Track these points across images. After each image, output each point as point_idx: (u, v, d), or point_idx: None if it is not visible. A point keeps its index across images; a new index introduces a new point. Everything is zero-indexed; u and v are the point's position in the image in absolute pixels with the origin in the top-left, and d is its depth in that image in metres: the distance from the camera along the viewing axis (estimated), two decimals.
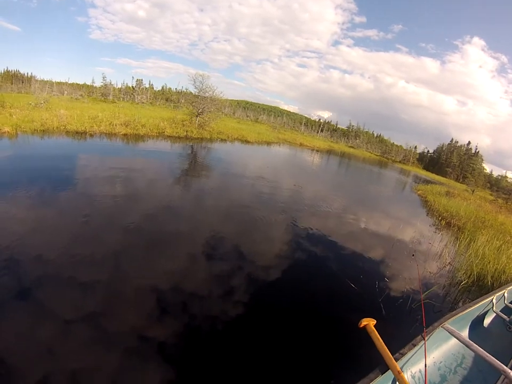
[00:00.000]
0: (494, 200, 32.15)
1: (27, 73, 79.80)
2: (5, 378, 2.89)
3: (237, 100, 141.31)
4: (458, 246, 9.35)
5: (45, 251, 5.02)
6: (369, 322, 2.94)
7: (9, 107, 20.50)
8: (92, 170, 10.35)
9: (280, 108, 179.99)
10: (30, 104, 22.73)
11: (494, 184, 70.95)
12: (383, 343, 2.72)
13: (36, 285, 4.20)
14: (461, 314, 3.62)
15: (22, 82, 69.17)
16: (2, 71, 75.98)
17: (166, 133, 22.38)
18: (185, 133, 23.71)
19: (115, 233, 6.10)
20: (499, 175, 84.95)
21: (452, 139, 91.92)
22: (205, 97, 28.56)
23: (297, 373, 3.59)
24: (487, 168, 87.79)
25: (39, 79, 67.41)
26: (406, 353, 2.82)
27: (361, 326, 2.95)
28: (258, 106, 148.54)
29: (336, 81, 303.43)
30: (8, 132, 14.34)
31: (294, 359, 3.79)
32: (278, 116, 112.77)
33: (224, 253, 6.13)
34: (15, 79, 73.22)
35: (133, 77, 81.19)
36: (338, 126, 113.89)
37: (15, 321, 3.56)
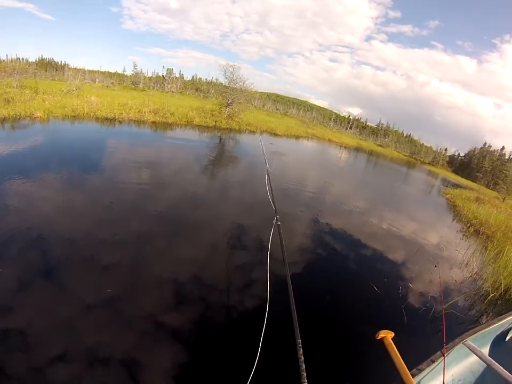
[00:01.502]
0: None
1: (61, 61, 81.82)
2: (27, 351, 3.02)
3: (267, 93, 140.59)
4: (486, 256, 8.93)
5: (70, 232, 5.15)
6: (386, 335, 2.73)
7: (43, 93, 21.05)
8: (119, 157, 10.53)
9: (310, 102, 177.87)
10: (63, 90, 23.30)
11: None
12: (400, 357, 2.52)
13: (60, 264, 4.34)
14: (484, 331, 3.43)
15: (56, 70, 70.91)
16: (37, 59, 78.05)
17: (194, 122, 22.43)
18: (214, 123, 23.68)
19: (139, 219, 6.19)
20: None
21: (485, 143, 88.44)
22: (235, 88, 28.46)
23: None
24: None
25: (72, 67, 69.23)
26: (424, 369, 2.70)
27: (378, 338, 2.74)
28: (288, 100, 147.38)
29: (367, 77, 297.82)
30: (40, 116, 14.71)
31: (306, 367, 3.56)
32: (308, 110, 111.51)
33: (246, 246, 6.09)
34: (49, 66, 75.09)
35: (163, 66, 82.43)
36: (367, 124, 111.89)
37: (39, 298, 3.69)
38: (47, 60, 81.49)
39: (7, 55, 59.52)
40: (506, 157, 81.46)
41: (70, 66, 70.90)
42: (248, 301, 4.44)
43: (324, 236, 7.55)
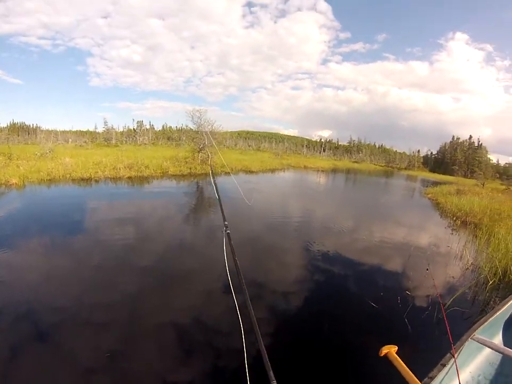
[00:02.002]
0: (506, 189, 31.52)
1: (32, 124, 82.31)
2: None
3: (237, 131, 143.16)
4: (478, 243, 9.12)
5: (60, 297, 5.04)
6: (390, 350, 2.65)
7: (16, 158, 21.10)
8: (98, 216, 10.39)
9: (280, 133, 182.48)
10: (36, 154, 23.32)
11: (503, 173, 70.11)
12: (408, 370, 2.43)
13: (53, 330, 4.20)
14: (489, 320, 3.36)
15: (28, 134, 71.07)
16: (8, 124, 78.26)
17: (169, 172, 22.49)
18: (188, 170, 23.83)
19: (128, 275, 6.07)
20: (506, 163, 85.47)
21: (453, 136, 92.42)
22: (204, 132, 28.87)
23: None
24: (493, 158, 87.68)
25: (44, 129, 69.76)
26: (436, 375, 2.59)
27: (382, 354, 2.65)
28: (259, 135, 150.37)
29: (330, 99, 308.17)
30: (16, 183, 14.65)
31: None
32: (279, 141, 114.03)
33: (239, 283, 5.96)
34: (21, 130, 75.27)
35: (133, 119, 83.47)
36: (339, 143, 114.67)
37: (34, 366, 3.56)
38: (19, 124, 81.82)
39: None
40: (476, 144, 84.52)
41: (42, 129, 71.45)
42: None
43: (316, 262, 7.46)
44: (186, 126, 37.52)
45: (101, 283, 5.71)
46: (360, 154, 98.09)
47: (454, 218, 13.84)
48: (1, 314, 4.46)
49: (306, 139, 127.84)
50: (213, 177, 3.77)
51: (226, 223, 2.66)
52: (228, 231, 2.56)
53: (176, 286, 5.83)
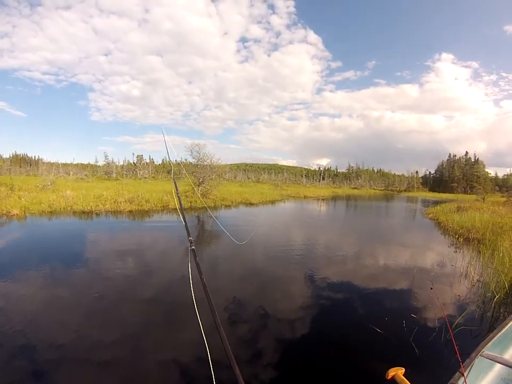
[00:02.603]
0: (507, 201, 31.30)
1: (34, 156, 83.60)
2: None
3: (237, 164, 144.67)
4: (482, 259, 9.05)
5: (59, 332, 4.94)
6: (397, 372, 2.54)
7: (18, 190, 21.32)
8: (99, 249, 10.37)
9: (279, 164, 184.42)
10: (38, 186, 23.55)
11: (503, 185, 70.59)
12: None
13: (52, 367, 4.08)
14: (498, 336, 3.31)
15: (30, 165, 72.03)
16: (11, 155, 79.31)
17: (170, 206, 22.36)
18: (189, 204, 23.82)
19: (128, 308, 5.98)
20: (504, 174, 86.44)
21: (450, 154, 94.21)
22: (204, 165, 29.13)
23: None
24: (491, 171, 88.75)
25: (45, 162, 70.65)
26: None
27: (389, 377, 2.54)
28: (258, 167, 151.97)
29: (327, 127, 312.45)
30: (17, 214, 14.80)
31: None
32: (279, 172, 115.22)
33: (245, 316, 5.87)
34: (23, 162, 76.30)
35: (133, 153, 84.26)
36: (338, 171, 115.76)
37: None
38: (21, 155, 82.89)
39: None
40: (473, 160, 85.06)
41: (43, 161, 72.30)
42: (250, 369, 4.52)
43: (319, 291, 7.28)
44: (186, 160, 37.78)
45: (100, 315, 5.67)
46: (360, 180, 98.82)
47: (457, 236, 13.69)
48: None
49: (305, 168, 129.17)
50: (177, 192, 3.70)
51: (190, 238, 2.59)
52: (193, 247, 2.50)
53: (174, 318, 5.88)
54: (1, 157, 64.70)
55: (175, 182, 4.10)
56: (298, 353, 4.74)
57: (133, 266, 8.71)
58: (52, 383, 3.85)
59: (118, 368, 4.16)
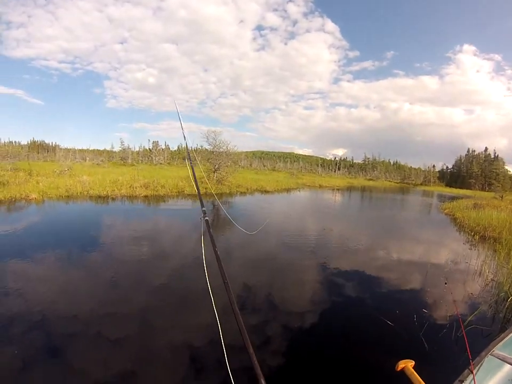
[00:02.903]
0: None
1: (51, 143, 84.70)
2: None
3: (252, 151, 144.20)
4: (498, 258, 8.86)
5: (75, 310, 5.07)
6: (407, 364, 2.54)
7: (36, 175, 21.67)
8: (115, 233, 10.56)
9: (295, 153, 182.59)
10: (55, 171, 23.91)
11: None
12: None
13: (66, 343, 4.23)
14: (509, 336, 3.27)
15: (47, 151, 73.14)
16: (29, 142, 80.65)
17: (185, 191, 22.64)
18: (204, 190, 23.85)
19: (143, 292, 6.07)
20: None
21: (468, 149, 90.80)
22: (219, 152, 29.18)
23: None
24: (511, 169, 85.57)
25: (62, 148, 71.63)
26: None
27: (399, 369, 2.55)
28: (274, 155, 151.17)
29: (343, 117, 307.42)
30: (35, 198, 15.10)
31: None
32: (294, 161, 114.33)
33: (255, 303, 5.92)
34: (40, 148, 77.48)
35: (149, 140, 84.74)
36: (354, 161, 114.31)
37: (45, 378, 3.58)
38: (39, 142, 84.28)
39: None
40: (492, 156, 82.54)
41: (60, 147, 73.30)
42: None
43: (332, 279, 7.34)
44: (202, 147, 37.77)
45: (115, 297, 5.81)
46: (375, 172, 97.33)
47: (472, 233, 13.42)
48: (15, 323, 4.56)
49: (321, 158, 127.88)
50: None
51: (204, 209, 2.53)
52: (206, 218, 2.42)
53: (187, 303, 5.85)
54: (20, 143, 65.80)
55: (188, 154, 4.01)
56: (308, 341, 4.75)
57: (148, 250, 8.84)
58: (66, 357, 3.95)
59: (129, 346, 4.28)
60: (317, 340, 4.79)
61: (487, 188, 71.48)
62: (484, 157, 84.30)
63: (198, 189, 2.93)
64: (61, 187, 17.79)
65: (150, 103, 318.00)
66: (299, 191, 35.55)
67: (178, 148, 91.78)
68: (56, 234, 9.75)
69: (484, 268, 8.32)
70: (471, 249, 10.98)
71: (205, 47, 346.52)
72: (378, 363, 4.18)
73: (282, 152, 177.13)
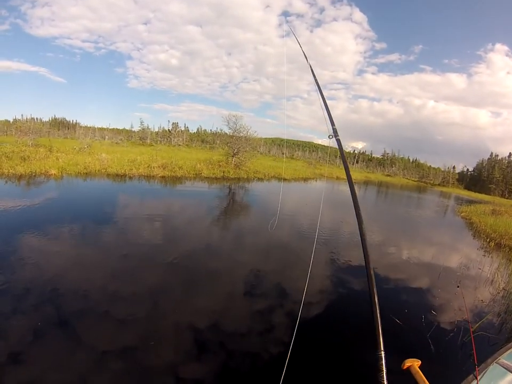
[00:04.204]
0: None
1: (72, 120, 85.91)
2: None
3: (271, 138, 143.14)
4: (511, 268, 8.67)
5: (85, 286, 5.17)
6: (413, 363, 2.45)
7: (56, 151, 21.92)
8: (131, 211, 10.73)
9: (314, 142, 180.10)
10: (75, 148, 24.18)
11: None
12: None
13: (75, 317, 4.30)
14: None
15: (68, 129, 74.26)
16: (50, 119, 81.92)
17: (203, 174, 22.67)
18: (222, 174, 23.83)
19: (154, 270, 6.20)
20: None
21: (492, 153, 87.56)
22: (239, 137, 28.97)
23: None
24: None
25: (82, 126, 72.59)
26: None
27: (405, 367, 2.48)
28: (293, 143, 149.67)
29: (365, 110, 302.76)
30: (54, 174, 15.31)
31: None
32: (313, 151, 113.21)
33: (262, 289, 6.00)
34: (61, 125, 78.71)
35: (169, 121, 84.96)
36: (373, 156, 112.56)
37: (53, 350, 3.66)
38: (60, 119, 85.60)
39: (22, 115, 62.73)
40: None
41: (81, 125, 74.25)
42: (265, 346, 4.50)
43: (342, 274, 7.30)
44: (221, 130, 37.75)
45: (126, 273, 5.90)
46: (393, 168, 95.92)
47: (488, 239, 13.14)
48: (28, 295, 4.69)
49: None
50: None
51: (334, 127, 2.20)
52: (338, 137, 2.13)
53: (197, 283, 5.85)
54: (41, 120, 66.72)
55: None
56: (314, 334, 4.74)
57: (160, 231, 8.93)
58: (74, 331, 4.05)
59: (136, 324, 4.35)
60: (322, 332, 4.82)
61: (507, 195, 69.36)
62: (507, 163, 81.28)
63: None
64: (80, 164, 18.02)
65: (171, 85, 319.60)
66: (316, 181, 35.22)
67: (197, 130, 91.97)
68: (72, 210, 9.91)
69: (497, 276, 8.20)
70: (485, 255, 10.80)
71: (229, 31, 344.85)
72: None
73: (302, 141, 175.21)
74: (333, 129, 2.16)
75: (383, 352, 1.30)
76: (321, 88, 2.57)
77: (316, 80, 2.86)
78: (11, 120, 67.84)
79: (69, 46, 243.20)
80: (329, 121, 2.28)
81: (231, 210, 13.44)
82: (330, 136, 2.15)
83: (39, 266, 5.71)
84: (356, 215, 1.61)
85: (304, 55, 3.10)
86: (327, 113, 2.39)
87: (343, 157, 1.99)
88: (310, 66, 3.05)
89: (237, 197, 16.69)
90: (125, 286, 5.36)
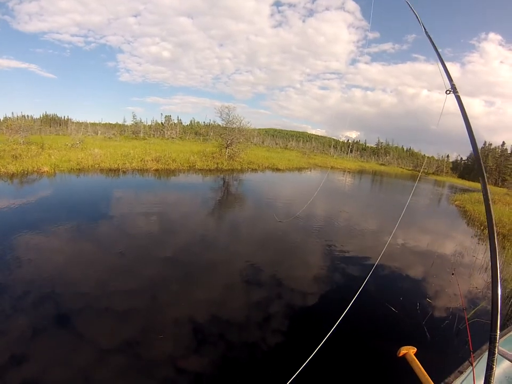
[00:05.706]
0: None
1: (64, 117, 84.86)
2: None
3: (265, 129, 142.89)
4: (505, 255, 8.77)
5: (83, 282, 5.19)
6: (409, 351, 2.57)
7: (48, 148, 21.75)
8: (125, 206, 10.65)
9: (308, 132, 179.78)
10: (67, 145, 24.00)
11: None
12: (425, 372, 2.36)
13: (74, 313, 4.33)
14: (511, 333, 3.26)
15: (60, 125, 73.40)
16: (41, 116, 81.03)
17: (196, 166, 22.61)
18: (215, 165, 23.77)
19: (150, 264, 6.22)
20: None
21: (485, 142, 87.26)
22: (232, 128, 28.86)
23: None
24: None
25: (74, 121, 71.78)
26: (452, 382, 2.54)
27: (400, 355, 2.58)
28: (287, 133, 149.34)
29: (359, 99, 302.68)
30: (47, 171, 15.23)
31: None
32: (307, 141, 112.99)
33: (259, 281, 6.03)
34: (53, 122, 77.78)
35: (161, 114, 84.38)
36: (367, 145, 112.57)
37: (54, 346, 3.70)
38: (51, 115, 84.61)
39: (12, 113, 62.05)
40: (509, 151, 79.72)
41: (72, 121, 73.44)
42: (264, 336, 4.57)
43: (337, 263, 7.35)
44: (214, 122, 37.52)
45: (122, 269, 5.86)
46: (388, 157, 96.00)
47: (481, 227, 13.32)
48: (27, 292, 4.71)
49: (334, 139, 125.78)
50: None
51: (453, 83, 2.14)
52: (457, 93, 2.07)
53: (193, 276, 5.87)
54: (32, 117, 66.09)
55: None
56: (311, 322, 4.84)
57: (156, 225, 8.98)
58: (73, 327, 4.08)
59: (135, 318, 4.39)
60: (318, 321, 4.86)
61: (500, 183, 69.59)
62: (500, 152, 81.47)
63: None
64: (73, 160, 17.90)
65: (163, 77, 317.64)
66: (310, 171, 35.17)
67: (191, 122, 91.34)
68: (67, 207, 9.85)
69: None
70: (479, 243, 10.93)
71: (221, 22, 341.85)
72: (379, 347, 4.29)
73: (295, 131, 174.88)
74: (451, 84, 2.06)
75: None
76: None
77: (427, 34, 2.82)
78: (1, 119, 67.27)
79: (58, 41, 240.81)
80: (446, 76, 2.23)
81: (224, 202, 13.48)
82: (448, 92, 2.05)
83: (36, 263, 5.72)
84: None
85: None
86: (443, 68, 2.39)
87: (464, 116, 1.86)
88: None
89: (230, 189, 16.69)
90: (121, 280, 5.40)
